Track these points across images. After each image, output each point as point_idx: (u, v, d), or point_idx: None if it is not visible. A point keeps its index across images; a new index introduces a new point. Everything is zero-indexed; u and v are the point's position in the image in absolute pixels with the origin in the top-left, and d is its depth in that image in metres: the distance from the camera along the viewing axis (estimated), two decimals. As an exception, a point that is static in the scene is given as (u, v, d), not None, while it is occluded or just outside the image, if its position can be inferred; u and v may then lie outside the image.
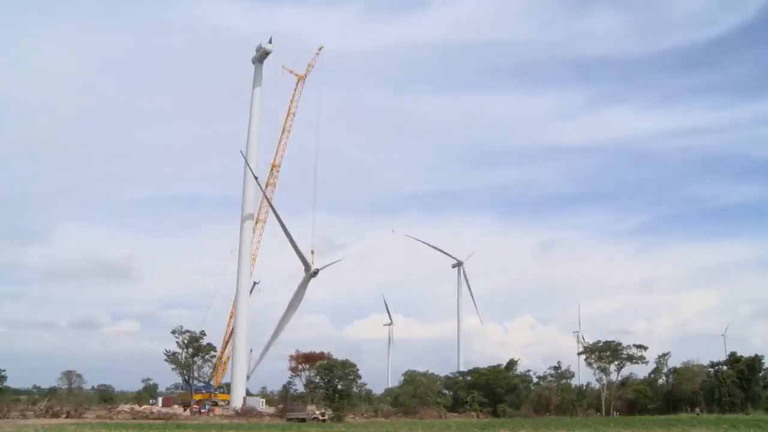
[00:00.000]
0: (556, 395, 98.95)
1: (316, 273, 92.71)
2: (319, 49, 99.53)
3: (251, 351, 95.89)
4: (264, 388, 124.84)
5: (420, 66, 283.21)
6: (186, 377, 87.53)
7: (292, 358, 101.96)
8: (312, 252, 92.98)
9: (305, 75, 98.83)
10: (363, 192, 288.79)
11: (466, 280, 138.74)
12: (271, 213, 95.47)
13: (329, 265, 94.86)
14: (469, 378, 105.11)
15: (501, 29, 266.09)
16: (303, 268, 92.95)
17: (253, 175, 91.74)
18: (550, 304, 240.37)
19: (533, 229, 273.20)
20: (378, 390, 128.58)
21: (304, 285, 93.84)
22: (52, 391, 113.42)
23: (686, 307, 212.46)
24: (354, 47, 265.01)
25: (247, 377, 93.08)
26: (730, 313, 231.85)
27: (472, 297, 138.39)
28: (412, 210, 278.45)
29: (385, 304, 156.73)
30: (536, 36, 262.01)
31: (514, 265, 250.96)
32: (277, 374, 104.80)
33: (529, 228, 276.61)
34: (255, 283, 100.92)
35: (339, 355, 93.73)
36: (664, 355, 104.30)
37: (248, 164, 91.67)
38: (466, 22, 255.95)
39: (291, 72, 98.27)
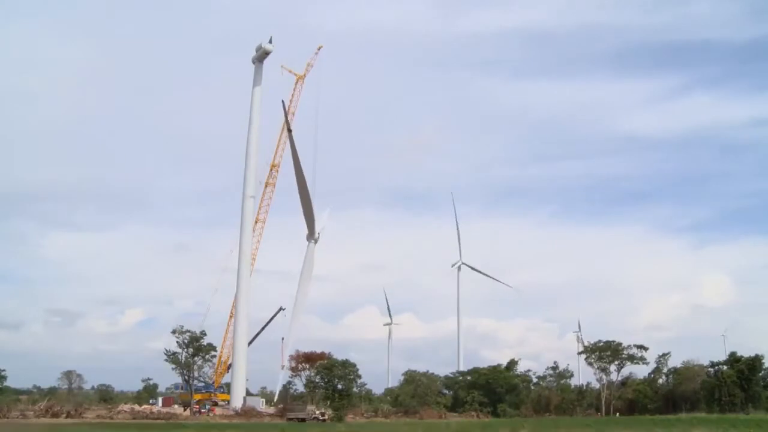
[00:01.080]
0: (556, 395, 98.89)
1: (317, 239, 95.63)
2: (318, 48, 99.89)
3: (282, 339, 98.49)
4: (264, 388, 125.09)
5: (511, 51, 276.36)
6: (186, 377, 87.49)
7: (292, 358, 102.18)
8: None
9: (304, 75, 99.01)
10: (419, 182, 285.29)
11: (479, 271, 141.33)
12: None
13: (323, 228, 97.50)
14: (469, 378, 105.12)
15: (603, 13, 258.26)
16: (306, 234, 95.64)
17: (288, 128, 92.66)
18: (590, 302, 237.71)
19: (590, 225, 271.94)
20: (378, 390, 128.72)
21: (310, 252, 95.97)
22: (52, 391, 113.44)
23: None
24: (448, 30, 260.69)
25: (282, 366, 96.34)
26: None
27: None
28: (467, 202, 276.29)
29: (387, 303, 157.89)
30: (640, 20, 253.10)
31: (565, 261, 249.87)
32: (277, 374, 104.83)
33: (586, 223, 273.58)
34: (281, 309, 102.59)
35: (339, 355, 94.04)
36: (664, 355, 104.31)
37: (286, 115, 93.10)
38: (567, 6, 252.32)
39: (290, 72, 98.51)
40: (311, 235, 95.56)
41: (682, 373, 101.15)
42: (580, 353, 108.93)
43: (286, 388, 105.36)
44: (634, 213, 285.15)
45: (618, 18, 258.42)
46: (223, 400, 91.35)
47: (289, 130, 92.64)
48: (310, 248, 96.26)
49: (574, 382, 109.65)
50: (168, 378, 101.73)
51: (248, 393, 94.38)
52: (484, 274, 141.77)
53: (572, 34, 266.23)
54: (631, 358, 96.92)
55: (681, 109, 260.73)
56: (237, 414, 78.36)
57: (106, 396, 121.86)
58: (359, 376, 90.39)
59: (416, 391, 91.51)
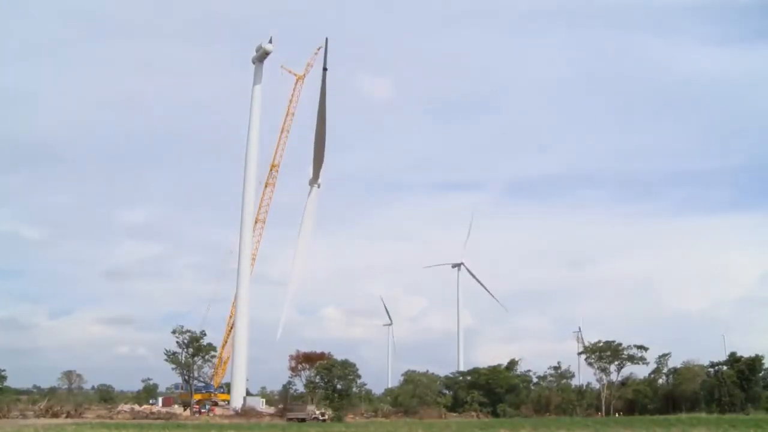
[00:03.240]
0: (556, 395, 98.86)
1: (320, 185, 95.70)
2: (318, 49, 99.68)
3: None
4: (264, 388, 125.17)
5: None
6: (186, 377, 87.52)
7: (292, 358, 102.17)
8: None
9: (304, 75, 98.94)
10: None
11: (475, 278, 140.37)
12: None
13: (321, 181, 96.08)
14: (469, 378, 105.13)
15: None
16: (310, 179, 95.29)
17: (324, 67, 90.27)
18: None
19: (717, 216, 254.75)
20: (378, 390, 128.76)
21: (313, 197, 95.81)
22: (52, 391, 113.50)
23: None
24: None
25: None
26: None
27: (488, 291, 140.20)
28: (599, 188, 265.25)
29: (385, 306, 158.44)
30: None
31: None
32: (277, 374, 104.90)
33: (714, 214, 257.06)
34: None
35: (339, 354, 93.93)
36: (664, 355, 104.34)
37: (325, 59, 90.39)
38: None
39: (290, 72, 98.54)
40: (314, 180, 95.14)
41: (682, 374, 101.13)
42: (580, 353, 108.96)
43: (285, 388, 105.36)
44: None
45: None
46: (223, 400, 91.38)
47: (325, 69, 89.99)
48: (313, 193, 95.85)
49: (574, 382, 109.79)
50: (168, 378, 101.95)
51: (248, 393, 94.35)
52: (479, 281, 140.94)
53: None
54: (631, 359, 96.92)
55: None
56: (237, 414, 78.35)
57: (106, 396, 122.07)
58: (359, 376, 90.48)
59: (416, 391, 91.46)
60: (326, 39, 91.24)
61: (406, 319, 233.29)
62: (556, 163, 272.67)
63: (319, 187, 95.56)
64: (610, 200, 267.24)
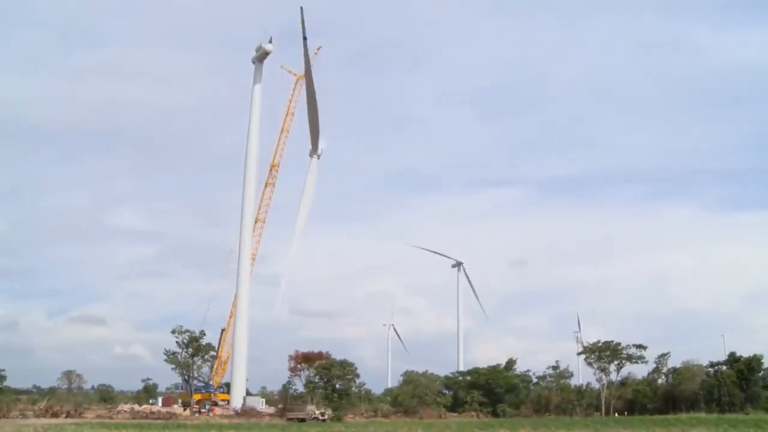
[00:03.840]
0: (555, 395, 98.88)
1: (320, 155, 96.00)
2: (318, 48, 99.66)
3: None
4: (264, 388, 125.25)
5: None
6: (186, 377, 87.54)
7: (291, 358, 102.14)
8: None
9: (304, 75, 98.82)
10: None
11: (468, 279, 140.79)
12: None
13: (322, 151, 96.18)
14: (468, 378, 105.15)
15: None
16: (310, 150, 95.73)
17: (303, 36, 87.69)
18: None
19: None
20: (378, 390, 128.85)
21: (313, 168, 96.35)
22: (52, 391, 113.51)
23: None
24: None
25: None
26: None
27: (476, 294, 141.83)
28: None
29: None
30: None
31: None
32: (277, 374, 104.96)
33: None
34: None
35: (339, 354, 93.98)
36: (664, 355, 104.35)
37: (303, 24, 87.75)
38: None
39: (290, 72, 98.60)
40: (314, 151, 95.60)
41: (682, 373, 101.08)
42: (579, 353, 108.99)
43: (285, 388, 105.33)
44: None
45: None
46: (222, 400, 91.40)
47: (305, 38, 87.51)
48: (313, 163, 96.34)
49: (574, 382, 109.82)
50: (168, 378, 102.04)
51: (248, 393, 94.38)
52: (471, 286, 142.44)
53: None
54: (630, 358, 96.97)
55: None
56: (237, 414, 78.39)
57: (106, 396, 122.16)
58: (357, 376, 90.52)
59: (416, 391, 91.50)
60: (301, 8, 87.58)
61: (405, 319, 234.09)
62: (576, 162, 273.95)
63: (318, 157, 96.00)
64: (635, 198, 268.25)
